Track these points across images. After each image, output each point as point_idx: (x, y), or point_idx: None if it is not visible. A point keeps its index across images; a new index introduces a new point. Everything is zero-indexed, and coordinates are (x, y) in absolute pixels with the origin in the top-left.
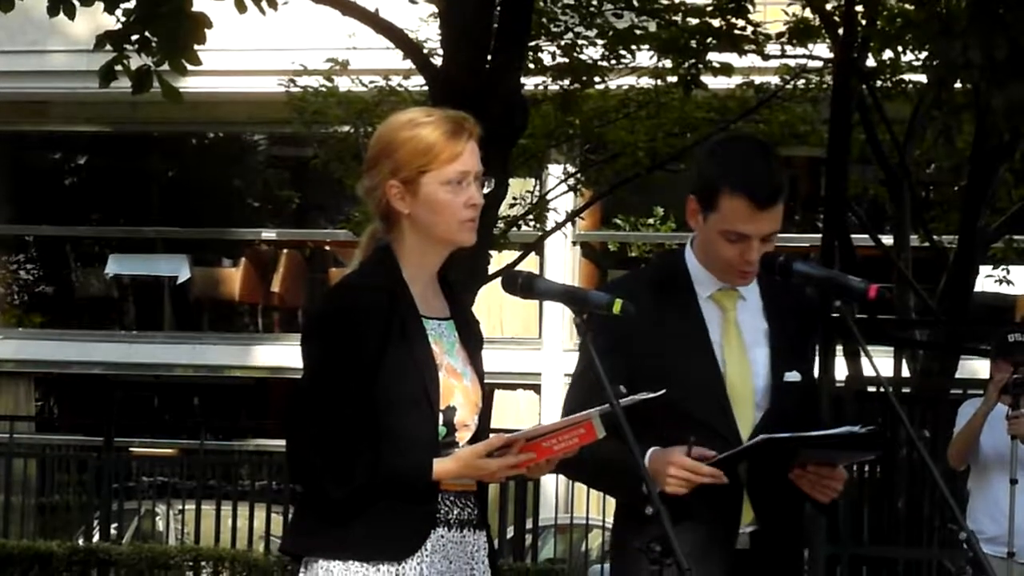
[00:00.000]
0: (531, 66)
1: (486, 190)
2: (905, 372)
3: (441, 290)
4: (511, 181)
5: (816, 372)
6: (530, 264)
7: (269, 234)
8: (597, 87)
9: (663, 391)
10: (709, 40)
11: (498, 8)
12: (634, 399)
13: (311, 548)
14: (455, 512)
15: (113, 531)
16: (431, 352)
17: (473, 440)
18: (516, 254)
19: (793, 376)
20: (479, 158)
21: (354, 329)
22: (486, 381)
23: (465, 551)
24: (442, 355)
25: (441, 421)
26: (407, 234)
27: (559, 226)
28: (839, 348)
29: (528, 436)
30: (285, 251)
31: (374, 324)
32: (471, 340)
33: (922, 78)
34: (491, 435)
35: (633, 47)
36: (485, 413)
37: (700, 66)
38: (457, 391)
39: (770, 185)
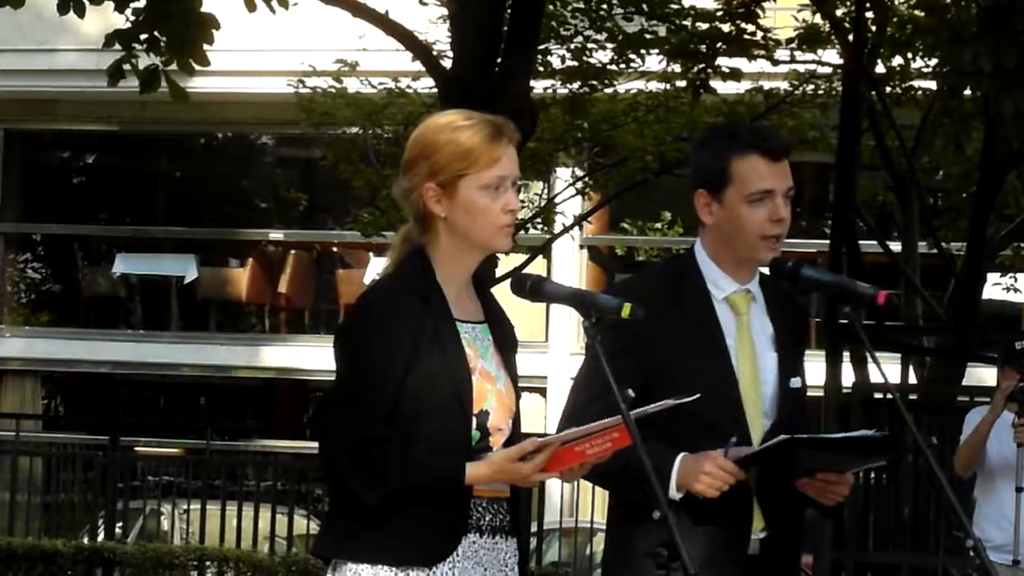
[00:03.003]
0: (540, 69)
1: (522, 195)
2: (912, 379)
3: (476, 293)
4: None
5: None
6: (537, 267)
7: (277, 235)
8: (606, 91)
9: (696, 396)
10: (719, 45)
11: (508, 11)
12: (662, 405)
13: (341, 551)
14: (487, 518)
15: (118, 530)
16: (464, 356)
17: (507, 444)
18: (523, 257)
19: (796, 382)
20: (517, 163)
21: (387, 332)
22: None
23: (498, 558)
24: (476, 359)
25: (475, 425)
26: (443, 237)
27: (567, 229)
28: (846, 354)
29: (562, 440)
30: (293, 252)
31: (408, 328)
32: (506, 343)
33: (932, 85)
34: (523, 439)
35: (642, 51)
36: (518, 417)
37: (709, 71)
38: (491, 395)
39: (777, 137)
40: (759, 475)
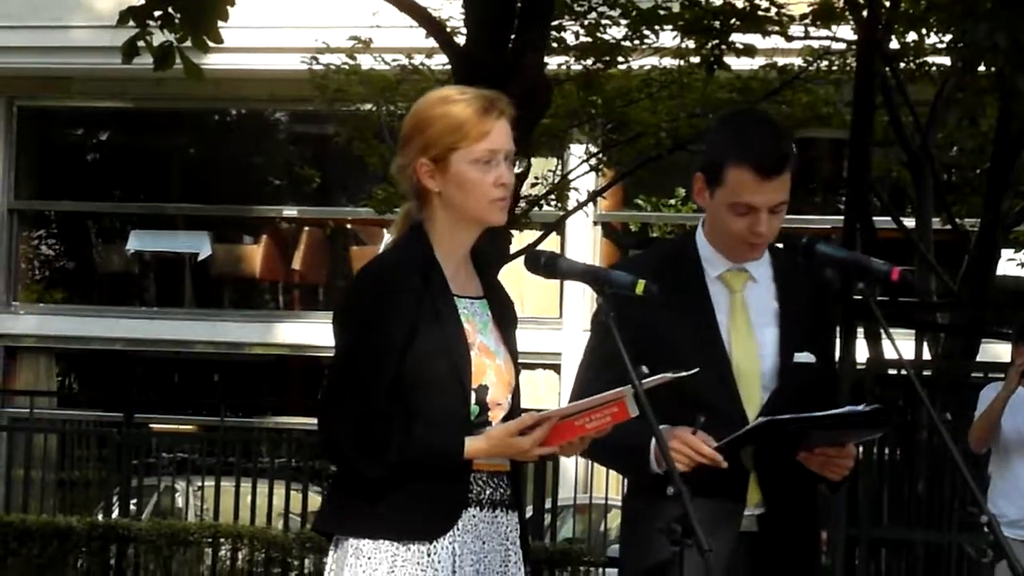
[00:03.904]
0: (554, 45)
1: (518, 170)
2: (926, 355)
3: (475, 269)
4: (533, 161)
5: (836, 354)
6: (551, 244)
7: (290, 212)
8: (620, 67)
9: (696, 370)
10: (732, 21)
11: None
12: (661, 379)
13: (343, 527)
14: (487, 492)
15: (132, 507)
16: (463, 331)
17: (506, 419)
18: (537, 234)
19: (805, 357)
20: (511, 137)
21: (386, 308)
22: None
23: (498, 531)
24: (475, 334)
25: (474, 400)
26: (438, 213)
27: (581, 206)
28: (860, 331)
29: (561, 414)
30: (306, 229)
31: (406, 303)
32: (505, 319)
33: (946, 61)
34: (523, 414)
35: (656, 27)
36: (517, 392)
37: (723, 47)
38: (490, 370)
39: (775, 154)
40: (757, 450)
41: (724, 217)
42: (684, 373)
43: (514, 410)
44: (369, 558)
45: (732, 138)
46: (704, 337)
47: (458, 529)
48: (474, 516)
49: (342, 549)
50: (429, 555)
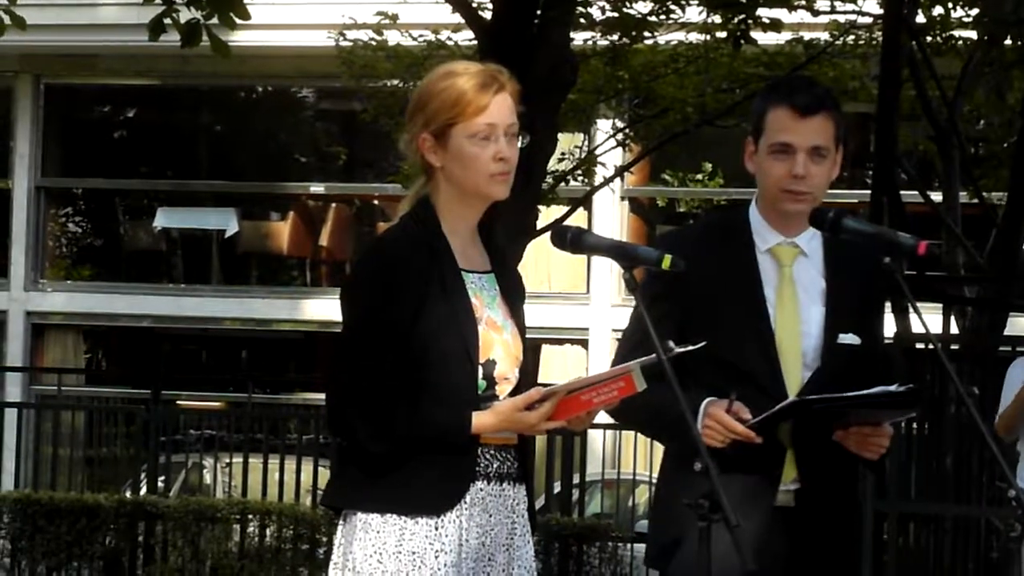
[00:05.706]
0: (580, 21)
1: (521, 144)
2: (954, 329)
3: (482, 243)
4: (560, 136)
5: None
6: (578, 219)
7: (317, 188)
8: (646, 42)
9: (702, 343)
10: None
11: None
12: (672, 352)
13: (351, 501)
14: (495, 465)
15: (160, 484)
16: (471, 305)
17: (514, 393)
18: (564, 209)
19: (850, 339)
20: (512, 111)
21: (393, 283)
22: (534, 336)
23: (505, 504)
24: (482, 308)
25: (481, 375)
26: (442, 187)
27: (607, 181)
28: (888, 304)
29: (567, 389)
30: (333, 205)
31: (413, 278)
32: (512, 293)
33: (972, 34)
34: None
35: (683, 2)
36: (527, 367)
37: (749, 21)
38: (497, 344)
39: (810, 93)
40: (794, 428)
41: (766, 166)
42: (691, 347)
43: (521, 384)
44: (378, 532)
45: (771, 90)
46: (749, 311)
47: (465, 503)
48: (481, 489)
49: (350, 523)
50: (436, 528)
